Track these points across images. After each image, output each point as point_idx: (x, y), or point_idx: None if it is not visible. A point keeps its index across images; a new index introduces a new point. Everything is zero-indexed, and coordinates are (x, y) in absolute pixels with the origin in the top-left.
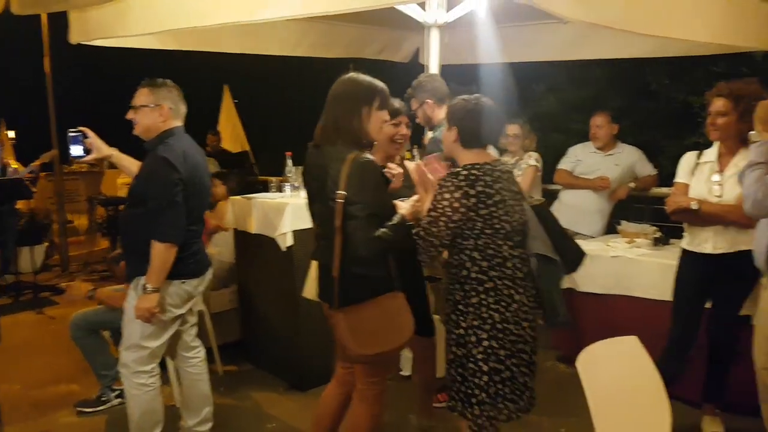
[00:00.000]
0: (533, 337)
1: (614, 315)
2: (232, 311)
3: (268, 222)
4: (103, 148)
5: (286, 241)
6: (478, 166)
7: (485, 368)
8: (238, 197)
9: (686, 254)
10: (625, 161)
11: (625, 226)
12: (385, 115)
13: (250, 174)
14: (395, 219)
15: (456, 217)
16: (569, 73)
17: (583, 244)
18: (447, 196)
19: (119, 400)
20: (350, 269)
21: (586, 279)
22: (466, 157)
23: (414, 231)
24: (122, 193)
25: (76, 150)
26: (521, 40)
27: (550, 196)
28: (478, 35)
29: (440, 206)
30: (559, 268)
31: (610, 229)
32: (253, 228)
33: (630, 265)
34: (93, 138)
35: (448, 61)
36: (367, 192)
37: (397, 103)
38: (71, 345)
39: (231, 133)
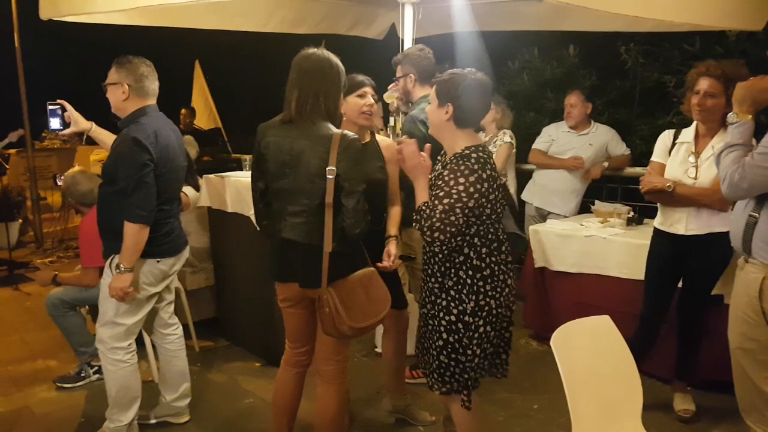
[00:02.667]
0: (513, 313)
1: (586, 293)
2: (207, 289)
3: (242, 200)
4: (80, 122)
5: None
6: (481, 148)
7: (478, 351)
8: (212, 175)
9: (658, 233)
10: (599, 141)
11: (598, 205)
12: (349, 97)
13: (223, 152)
14: None
15: (471, 203)
16: (543, 51)
17: (557, 223)
18: (462, 180)
19: (97, 376)
20: (340, 245)
21: (559, 258)
22: (462, 138)
23: (424, 224)
24: (95, 170)
25: (54, 123)
26: (495, 15)
27: (524, 176)
28: (452, 9)
29: (455, 192)
30: (521, 243)
31: (584, 208)
32: (228, 206)
33: (603, 245)
34: (71, 111)
35: (421, 35)
36: (359, 168)
37: (360, 76)
38: (47, 321)
39: (203, 110)
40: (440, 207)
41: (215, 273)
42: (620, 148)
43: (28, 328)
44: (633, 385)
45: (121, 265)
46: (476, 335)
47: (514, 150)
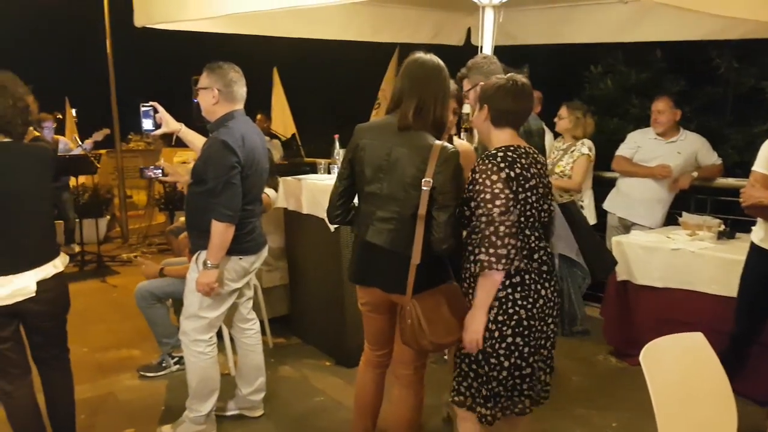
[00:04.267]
0: (555, 332)
1: (672, 309)
2: (281, 287)
3: (317, 203)
4: (171, 123)
5: None
6: (513, 148)
7: (506, 364)
8: (289, 178)
9: (758, 251)
10: (688, 149)
11: (686, 217)
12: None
13: (297, 156)
14: None
15: (511, 195)
16: (627, 55)
17: (642, 235)
18: (494, 178)
19: (178, 366)
20: (428, 257)
21: (644, 271)
22: (499, 138)
23: (487, 242)
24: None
25: (146, 124)
26: (576, 21)
27: (607, 184)
28: (531, 15)
29: (498, 190)
30: (583, 272)
31: (670, 220)
32: (304, 208)
33: (692, 259)
34: (162, 113)
35: (499, 42)
36: (457, 182)
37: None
38: (132, 312)
39: (281, 117)
40: (497, 211)
41: (289, 272)
42: (711, 158)
43: (113, 318)
44: (728, 407)
45: (208, 262)
46: (504, 345)
47: (592, 162)
